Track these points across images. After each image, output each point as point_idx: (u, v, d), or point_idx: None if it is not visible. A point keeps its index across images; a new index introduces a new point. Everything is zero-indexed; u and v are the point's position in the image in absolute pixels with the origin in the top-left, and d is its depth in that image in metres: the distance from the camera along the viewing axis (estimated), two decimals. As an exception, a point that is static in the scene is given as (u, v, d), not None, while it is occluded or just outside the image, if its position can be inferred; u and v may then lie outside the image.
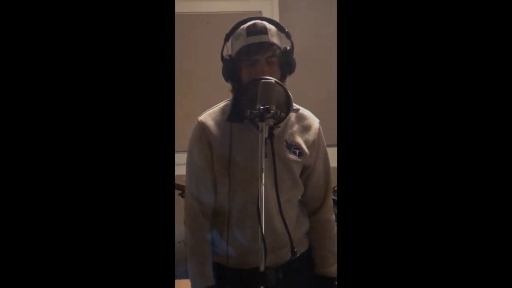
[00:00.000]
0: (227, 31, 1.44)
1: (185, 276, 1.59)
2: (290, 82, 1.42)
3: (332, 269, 1.50)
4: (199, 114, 1.49)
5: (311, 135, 1.49)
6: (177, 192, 2.48)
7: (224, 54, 1.44)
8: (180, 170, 1.57)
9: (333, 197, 2.95)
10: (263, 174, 1.18)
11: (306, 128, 1.50)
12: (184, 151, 1.51)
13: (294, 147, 1.45)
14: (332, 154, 1.50)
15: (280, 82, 1.31)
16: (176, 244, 1.79)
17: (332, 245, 1.52)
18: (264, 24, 1.39)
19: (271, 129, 1.24)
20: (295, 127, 1.47)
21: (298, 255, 1.31)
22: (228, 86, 1.46)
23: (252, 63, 1.36)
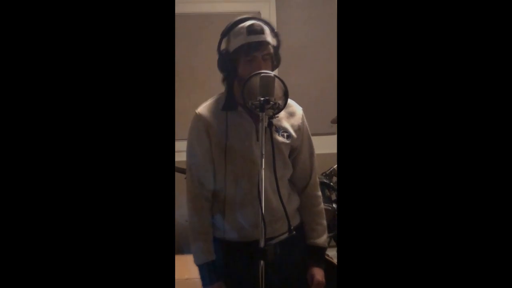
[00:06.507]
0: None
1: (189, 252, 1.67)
2: (284, 74, 1.51)
3: (322, 240, 1.63)
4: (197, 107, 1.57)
5: (296, 120, 1.60)
6: (183, 176, 2.62)
7: (222, 48, 1.51)
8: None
9: (325, 180, 3.08)
10: (263, 160, 1.27)
11: (291, 114, 1.60)
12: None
13: (282, 131, 1.55)
14: (317, 141, 1.66)
15: (279, 76, 1.37)
16: (184, 223, 1.91)
17: (321, 219, 1.64)
18: (261, 25, 1.47)
19: (270, 118, 1.33)
20: (282, 114, 1.53)
21: (294, 233, 1.38)
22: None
23: (251, 59, 1.45)
